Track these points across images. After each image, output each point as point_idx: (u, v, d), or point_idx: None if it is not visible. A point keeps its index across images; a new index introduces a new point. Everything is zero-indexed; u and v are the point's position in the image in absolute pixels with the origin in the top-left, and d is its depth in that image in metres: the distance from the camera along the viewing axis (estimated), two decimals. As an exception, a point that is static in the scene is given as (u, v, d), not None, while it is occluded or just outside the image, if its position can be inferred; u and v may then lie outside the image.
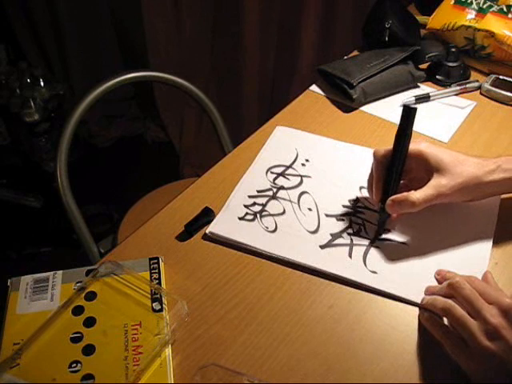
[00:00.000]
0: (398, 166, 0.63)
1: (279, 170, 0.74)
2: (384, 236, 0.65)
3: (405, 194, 0.61)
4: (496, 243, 0.63)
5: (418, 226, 0.65)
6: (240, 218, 0.67)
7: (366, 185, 0.68)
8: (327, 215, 0.67)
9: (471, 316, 0.50)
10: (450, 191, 0.60)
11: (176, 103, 1.79)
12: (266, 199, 0.70)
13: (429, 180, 0.61)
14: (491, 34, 0.90)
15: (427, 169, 0.62)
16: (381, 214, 0.64)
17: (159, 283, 0.58)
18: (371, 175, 0.66)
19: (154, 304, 0.56)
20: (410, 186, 0.63)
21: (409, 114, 0.63)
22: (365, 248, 0.63)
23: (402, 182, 0.65)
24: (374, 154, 0.64)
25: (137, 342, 0.52)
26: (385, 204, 0.62)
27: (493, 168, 0.61)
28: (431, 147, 0.63)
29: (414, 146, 0.63)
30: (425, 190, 0.60)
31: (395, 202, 0.61)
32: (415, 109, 0.63)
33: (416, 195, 0.60)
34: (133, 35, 1.82)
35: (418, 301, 0.57)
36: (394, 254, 0.62)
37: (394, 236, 0.65)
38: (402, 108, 0.64)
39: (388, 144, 0.79)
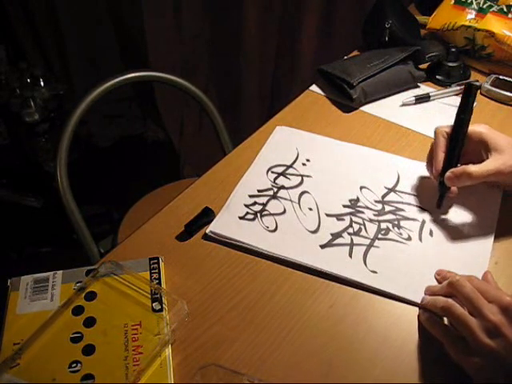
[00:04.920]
0: (459, 141, 0.66)
1: (280, 169, 0.74)
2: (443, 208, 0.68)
3: (463, 166, 0.65)
4: (496, 243, 0.64)
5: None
6: (240, 218, 0.67)
7: (366, 184, 0.71)
8: (328, 215, 0.67)
9: (471, 314, 0.50)
10: (508, 170, 0.63)
11: (176, 103, 1.79)
12: (266, 199, 0.70)
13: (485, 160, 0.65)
14: (491, 34, 0.90)
15: (485, 150, 0.65)
16: (440, 187, 0.67)
17: (159, 283, 0.58)
18: (431, 151, 0.69)
19: (153, 304, 0.56)
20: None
21: (470, 91, 0.68)
22: (365, 248, 0.63)
23: (459, 164, 0.68)
24: (436, 131, 0.68)
25: (137, 341, 0.52)
26: (443, 177, 0.65)
27: None
28: (491, 130, 0.67)
29: (474, 127, 0.67)
30: (484, 164, 0.64)
31: (454, 174, 0.65)
32: (477, 86, 0.68)
33: (474, 167, 0.64)
34: (133, 35, 1.82)
35: (418, 301, 0.57)
36: (394, 253, 0.62)
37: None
38: (464, 86, 0.69)
39: (388, 143, 0.79)
